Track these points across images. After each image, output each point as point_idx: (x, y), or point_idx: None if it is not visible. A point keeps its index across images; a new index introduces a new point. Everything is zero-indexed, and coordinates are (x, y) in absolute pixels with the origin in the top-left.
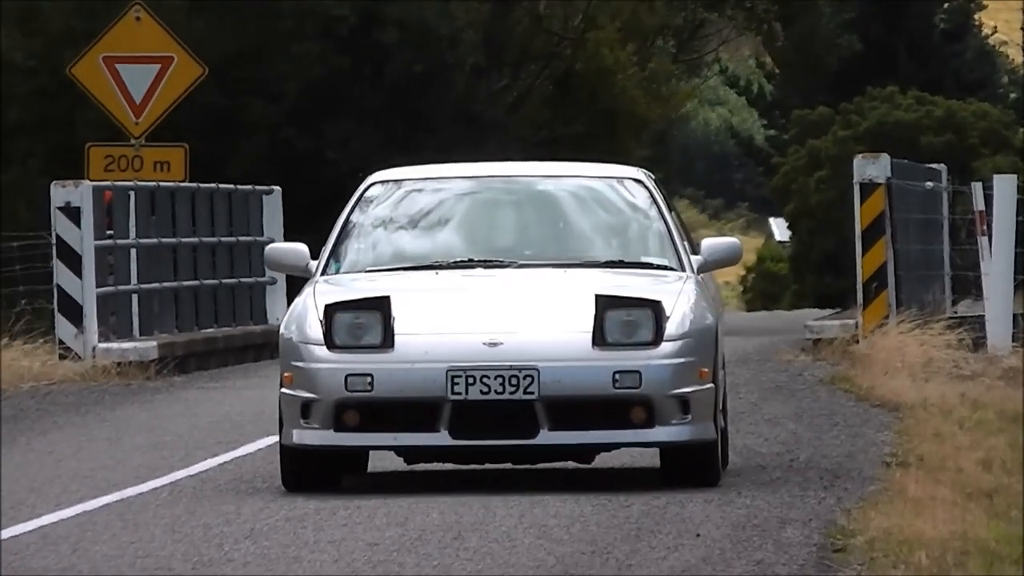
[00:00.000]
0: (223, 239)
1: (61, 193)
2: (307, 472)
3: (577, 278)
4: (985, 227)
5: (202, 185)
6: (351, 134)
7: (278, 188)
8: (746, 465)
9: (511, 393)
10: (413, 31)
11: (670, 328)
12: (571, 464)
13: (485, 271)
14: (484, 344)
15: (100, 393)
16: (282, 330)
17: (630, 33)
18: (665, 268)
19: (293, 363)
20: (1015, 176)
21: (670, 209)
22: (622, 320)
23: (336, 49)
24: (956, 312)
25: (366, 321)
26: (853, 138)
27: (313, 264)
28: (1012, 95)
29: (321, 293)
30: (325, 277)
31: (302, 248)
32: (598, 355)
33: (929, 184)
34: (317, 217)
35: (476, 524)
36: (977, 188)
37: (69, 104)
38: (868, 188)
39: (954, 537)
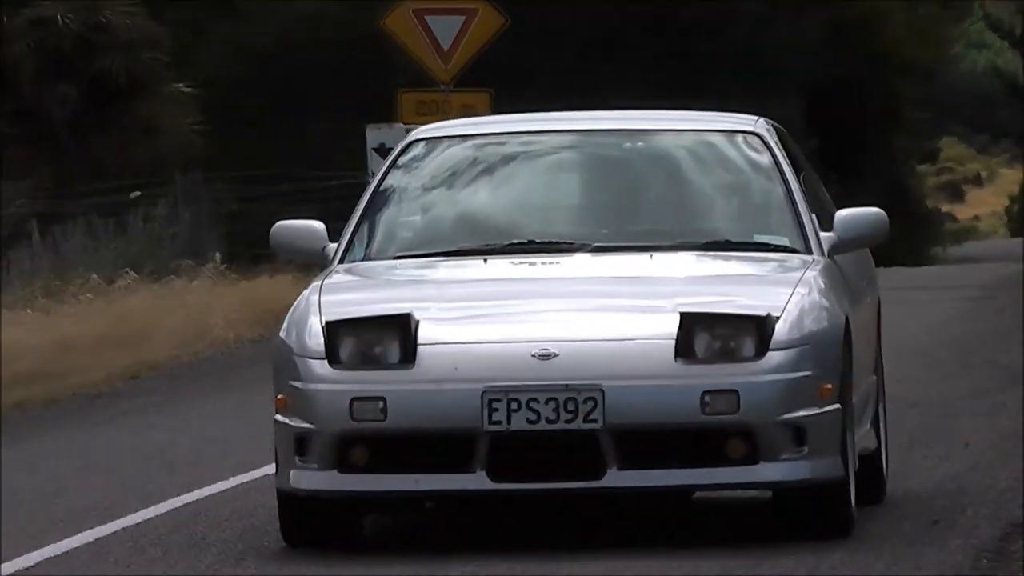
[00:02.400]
0: None
1: (376, 135)
2: (311, 522)
3: (665, 267)
4: None
5: None
6: (634, 80)
7: None
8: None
9: (567, 421)
10: None
11: (779, 334)
12: None
13: (547, 257)
14: (533, 356)
15: None
16: (280, 334)
17: None
18: (785, 250)
19: (290, 382)
20: None
21: (799, 172)
22: (715, 333)
23: None
24: None
25: (379, 333)
26: None
27: (332, 247)
28: None
29: (329, 291)
30: (345, 265)
31: (317, 227)
32: (682, 371)
33: None
34: None
35: None
36: None
37: (382, 54)
38: None
39: None
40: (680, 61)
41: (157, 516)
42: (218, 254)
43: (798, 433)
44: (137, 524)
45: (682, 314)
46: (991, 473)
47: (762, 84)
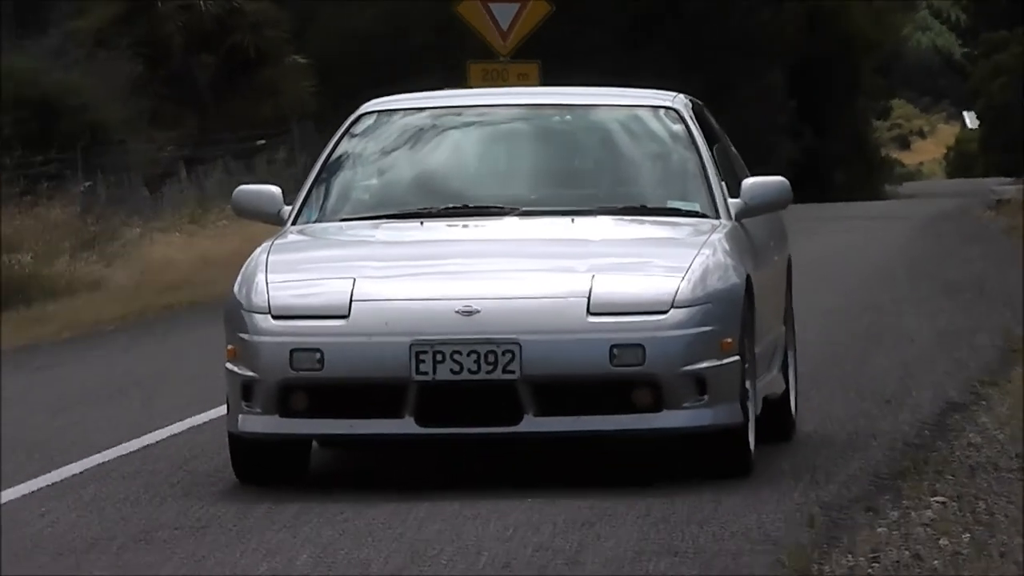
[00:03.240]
0: None
1: None
2: (259, 462)
3: (584, 230)
4: None
5: None
6: (656, 56)
7: None
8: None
9: (487, 372)
10: None
11: (682, 292)
12: None
13: (479, 220)
14: (457, 312)
15: None
16: (233, 289)
17: None
18: (695, 215)
19: (238, 334)
20: None
21: (713, 144)
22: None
23: None
24: None
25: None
26: None
27: (287, 210)
28: None
29: (278, 251)
30: (298, 227)
31: (274, 191)
32: (593, 326)
33: None
34: None
35: None
36: None
37: (457, 33)
38: None
39: None
40: (692, 41)
41: None
42: None
43: (699, 383)
44: None
45: (593, 276)
46: (932, 362)
47: (753, 60)
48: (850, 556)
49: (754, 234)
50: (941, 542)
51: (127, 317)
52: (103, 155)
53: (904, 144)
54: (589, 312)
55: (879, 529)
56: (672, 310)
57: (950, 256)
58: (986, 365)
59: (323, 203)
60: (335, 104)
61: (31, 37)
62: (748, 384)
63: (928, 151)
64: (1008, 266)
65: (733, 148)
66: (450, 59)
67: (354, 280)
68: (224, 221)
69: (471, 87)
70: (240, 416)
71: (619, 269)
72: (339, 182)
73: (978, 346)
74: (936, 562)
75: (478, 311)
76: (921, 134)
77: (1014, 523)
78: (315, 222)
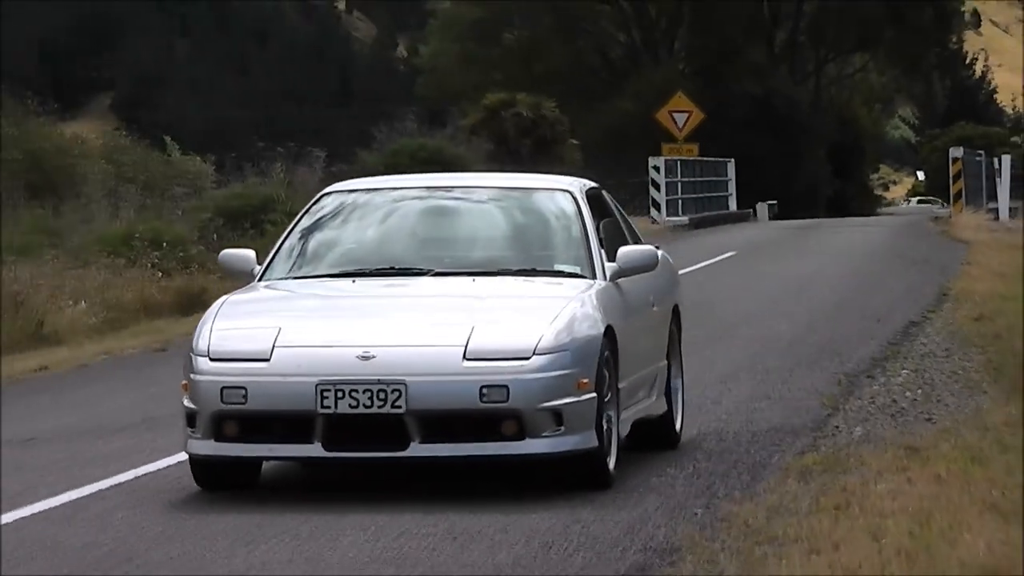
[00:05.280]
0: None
1: (653, 161)
2: (210, 477)
3: (479, 288)
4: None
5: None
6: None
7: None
8: (895, 265)
9: (379, 407)
10: None
11: (544, 341)
12: None
13: (402, 279)
14: (357, 357)
15: (661, 236)
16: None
17: None
18: (576, 276)
19: (188, 372)
20: None
21: (603, 219)
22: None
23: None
24: (988, 206)
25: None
26: (952, 140)
27: (258, 269)
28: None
29: (232, 303)
30: (264, 282)
31: (249, 254)
32: (467, 369)
33: (979, 155)
34: None
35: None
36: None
37: (658, 125)
38: (954, 163)
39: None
40: (782, 138)
41: None
42: None
43: (557, 416)
44: None
45: (473, 327)
46: (901, 300)
47: (812, 143)
48: (859, 400)
49: (631, 291)
50: (907, 394)
51: None
52: None
53: (885, 188)
54: (465, 358)
55: (874, 386)
56: (534, 356)
57: (909, 244)
58: (930, 303)
59: (282, 264)
60: (592, 166)
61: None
62: (612, 413)
63: (899, 192)
64: (939, 250)
65: (627, 221)
66: (654, 139)
67: (279, 329)
68: None
69: (662, 156)
70: (188, 440)
71: (495, 322)
72: (297, 247)
73: (926, 292)
74: (904, 404)
75: (374, 356)
76: (894, 183)
77: (944, 383)
78: (274, 279)
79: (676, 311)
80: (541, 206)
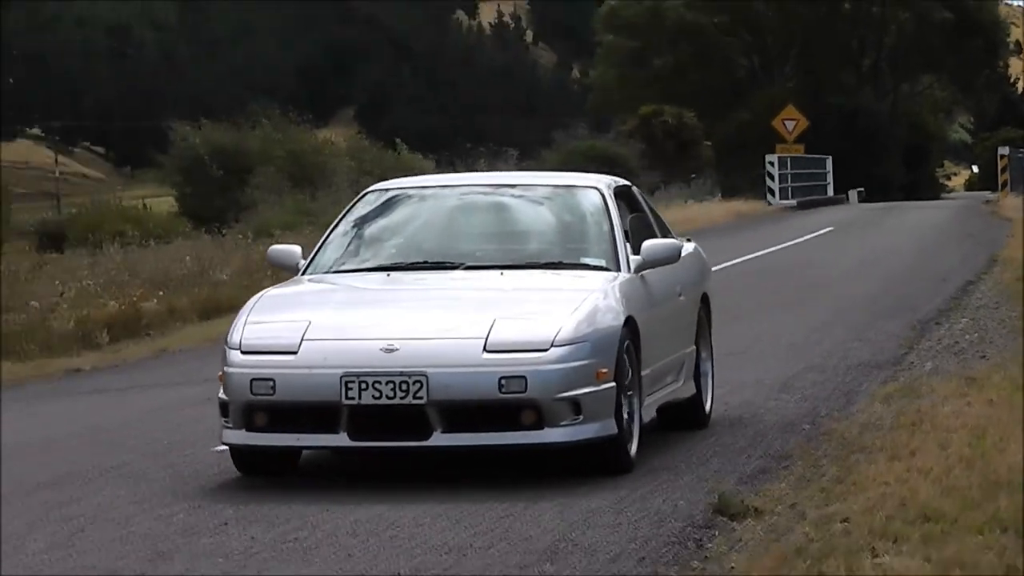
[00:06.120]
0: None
1: (770, 158)
2: (249, 464)
3: (505, 281)
4: None
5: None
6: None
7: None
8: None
9: (401, 398)
10: None
11: (563, 333)
12: None
13: (434, 273)
14: (381, 350)
15: (775, 215)
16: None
17: None
18: (601, 269)
19: (223, 365)
20: None
21: (632, 213)
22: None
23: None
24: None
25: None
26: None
27: (303, 264)
28: None
29: (269, 297)
30: (307, 276)
31: (295, 250)
32: (486, 361)
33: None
34: None
35: None
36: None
37: (773, 130)
38: (1002, 158)
39: None
40: (848, 132)
41: None
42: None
43: (575, 406)
44: None
45: (495, 320)
46: (959, 265)
47: (879, 141)
48: (929, 341)
49: (657, 282)
50: (966, 336)
51: None
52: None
53: (947, 178)
54: (485, 350)
55: (940, 331)
56: (552, 348)
57: (965, 222)
58: (983, 267)
59: (324, 258)
60: (721, 162)
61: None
62: (634, 401)
63: (958, 182)
64: (989, 227)
65: (657, 216)
66: (770, 141)
67: (309, 323)
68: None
69: (776, 153)
70: (223, 430)
71: (517, 315)
72: (339, 243)
73: (979, 259)
74: (963, 344)
75: (398, 348)
76: (954, 174)
77: (995, 328)
78: (316, 273)
79: (705, 299)
80: (570, 202)
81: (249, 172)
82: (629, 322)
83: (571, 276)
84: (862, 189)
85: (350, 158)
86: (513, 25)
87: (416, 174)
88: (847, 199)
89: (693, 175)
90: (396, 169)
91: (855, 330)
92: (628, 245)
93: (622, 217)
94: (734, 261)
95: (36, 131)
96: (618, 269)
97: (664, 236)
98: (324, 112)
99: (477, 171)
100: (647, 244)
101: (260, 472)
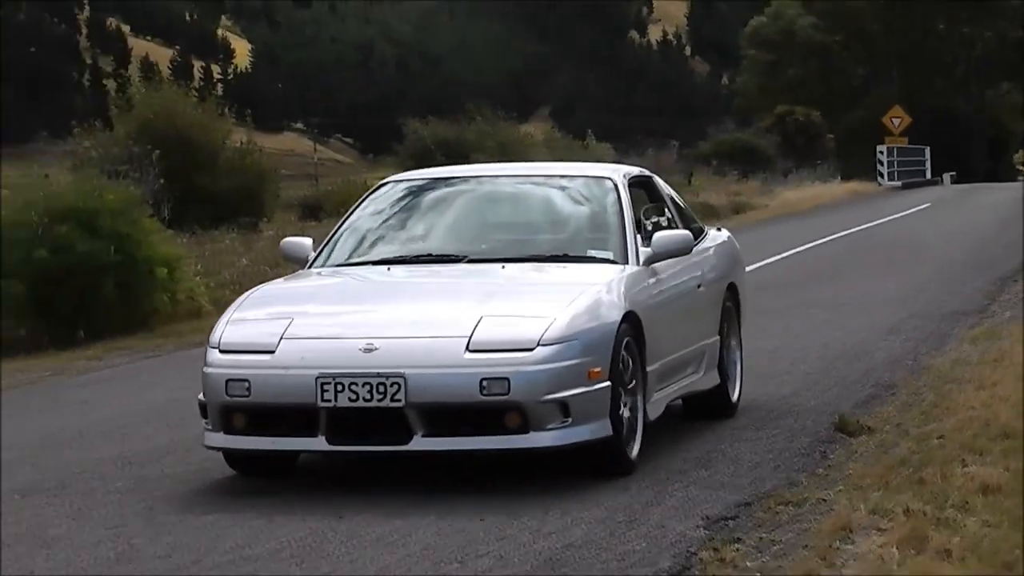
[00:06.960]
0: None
1: (880, 148)
2: (242, 464)
3: (502, 275)
4: None
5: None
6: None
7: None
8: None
9: (379, 400)
10: None
11: (551, 331)
12: None
13: (437, 266)
14: (360, 349)
15: (884, 194)
16: None
17: None
18: (607, 261)
19: (203, 365)
20: None
21: (652, 202)
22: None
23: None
24: None
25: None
26: None
27: (312, 256)
28: None
29: (258, 293)
30: (316, 268)
31: (306, 242)
32: (468, 361)
33: None
34: None
35: None
36: None
37: (883, 126)
38: None
39: None
40: (942, 127)
41: None
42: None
43: (563, 408)
44: None
45: (481, 318)
46: (997, 242)
47: (967, 134)
48: (1007, 295)
49: (671, 274)
50: (1006, 314)
51: None
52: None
53: (1023, 165)
54: (468, 350)
55: (1016, 287)
56: (538, 348)
57: (1002, 210)
58: None
59: (332, 252)
60: (842, 151)
61: None
62: (637, 399)
63: None
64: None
65: (678, 206)
66: (879, 134)
67: (291, 320)
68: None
69: (885, 144)
70: (205, 432)
71: (506, 312)
72: (347, 236)
73: None
74: (1001, 327)
75: (377, 348)
76: None
77: None
78: (322, 266)
79: (733, 288)
80: (581, 193)
81: (466, 159)
82: (630, 317)
83: (575, 269)
84: (954, 173)
85: (546, 148)
86: (675, 42)
87: (600, 161)
88: (941, 181)
89: (818, 161)
90: (583, 156)
91: (948, 285)
92: (639, 237)
93: (636, 209)
94: (853, 229)
95: (299, 126)
96: (626, 262)
97: (688, 227)
98: (525, 111)
99: (647, 158)
100: (658, 236)
101: (257, 474)
